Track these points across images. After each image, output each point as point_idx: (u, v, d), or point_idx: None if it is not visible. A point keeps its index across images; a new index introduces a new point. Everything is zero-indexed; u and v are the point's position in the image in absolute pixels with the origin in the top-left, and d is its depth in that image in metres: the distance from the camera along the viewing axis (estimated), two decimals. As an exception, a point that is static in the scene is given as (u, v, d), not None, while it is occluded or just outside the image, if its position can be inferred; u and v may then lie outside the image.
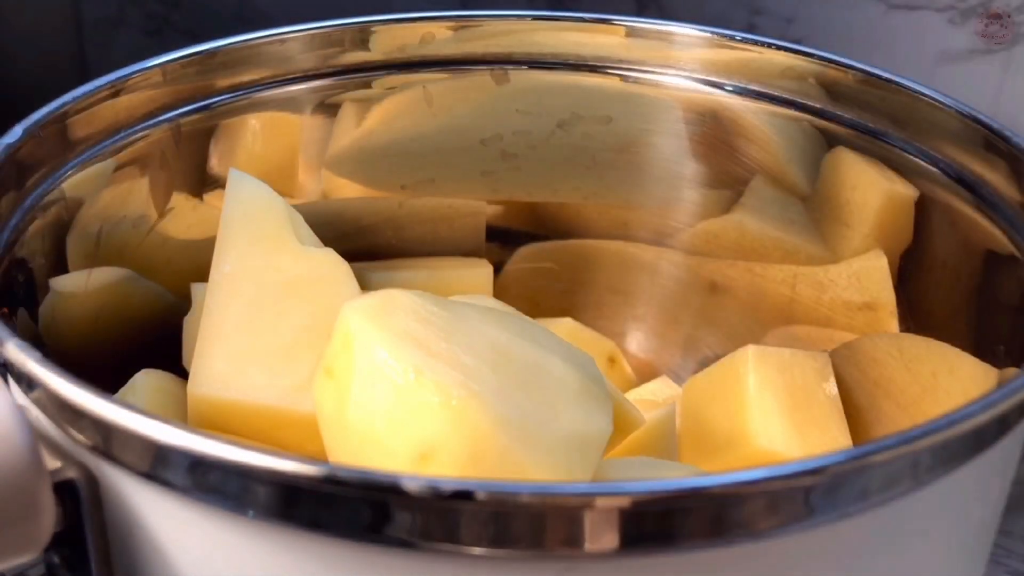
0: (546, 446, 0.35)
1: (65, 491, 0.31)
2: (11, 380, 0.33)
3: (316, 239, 0.46)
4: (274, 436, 0.40)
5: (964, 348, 0.44)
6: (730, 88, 0.52)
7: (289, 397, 0.40)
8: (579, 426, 0.36)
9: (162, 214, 0.50)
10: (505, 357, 0.37)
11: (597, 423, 0.37)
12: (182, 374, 0.45)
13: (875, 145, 0.48)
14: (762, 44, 0.51)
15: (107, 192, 0.47)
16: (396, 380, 0.35)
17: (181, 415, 0.42)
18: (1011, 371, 0.40)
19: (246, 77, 0.51)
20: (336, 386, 0.37)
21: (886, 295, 0.49)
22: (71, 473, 0.31)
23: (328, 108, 0.53)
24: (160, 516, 0.31)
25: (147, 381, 0.44)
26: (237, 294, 0.43)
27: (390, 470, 0.33)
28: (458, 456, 0.34)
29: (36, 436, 0.30)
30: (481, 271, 0.55)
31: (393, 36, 0.53)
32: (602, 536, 0.28)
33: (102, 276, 0.47)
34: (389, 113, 0.54)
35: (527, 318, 0.44)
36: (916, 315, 0.48)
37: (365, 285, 0.47)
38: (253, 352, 0.41)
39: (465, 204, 0.56)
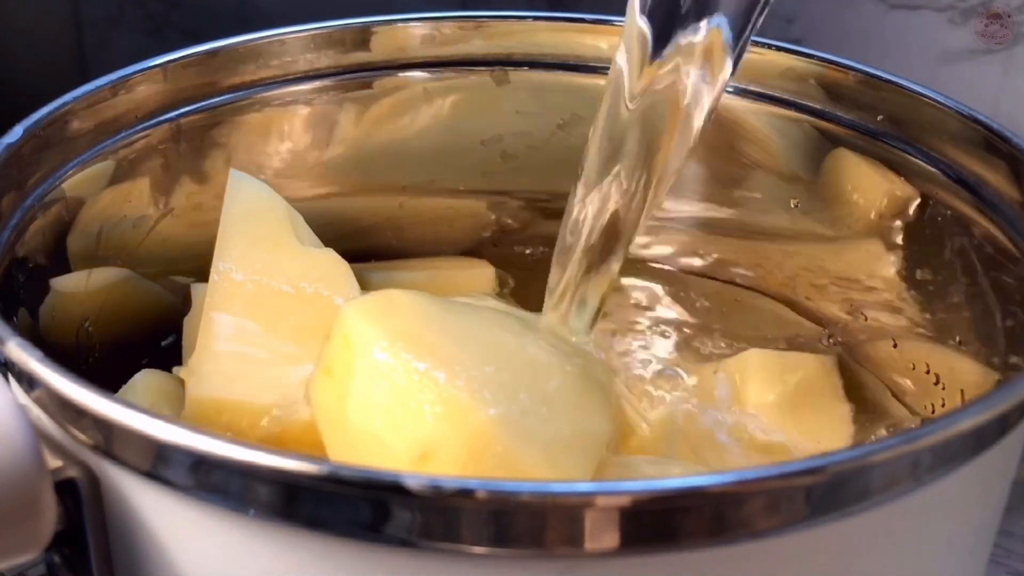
0: (546, 445, 0.35)
1: (66, 490, 0.31)
2: (12, 379, 0.33)
3: (316, 239, 0.46)
4: (274, 436, 0.40)
5: (965, 348, 0.44)
6: (730, 89, 0.52)
7: (289, 397, 0.40)
8: (579, 426, 0.36)
9: (162, 214, 0.50)
10: (505, 357, 0.37)
11: (597, 423, 0.37)
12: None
13: (875, 145, 0.48)
14: (762, 45, 0.51)
15: (107, 192, 0.47)
16: (396, 380, 0.35)
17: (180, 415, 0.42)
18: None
19: (246, 77, 0.51)
20: (336, 386, 0.37)
21: (886, 295, 0.49)
22: (72, 472, 0.31)
23: (328, 108, 0.53)
24: (161, 515, 0.31)
25: (147, 381, 0.44)
26: (237, 294, 0.43)
27: (392, 469, 0.33)
28: (458, 455, 0.34)
29: (37, 435, 0.30)
30: (481, 271, 0.55)
31: (393, 36, 0.53)
32: (602, 535, 0.28)
33: (102, 276, 0.47)
34: (389, 113, 0.54)
35: (527, 318, 0.44)
36: (918, 314, 0.48)
37: (365, 285, 0.47)
38: (253, 352, 0.41)
39: (465, 204, 0.56)
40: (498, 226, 0.57)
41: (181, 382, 0.44)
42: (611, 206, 0.43)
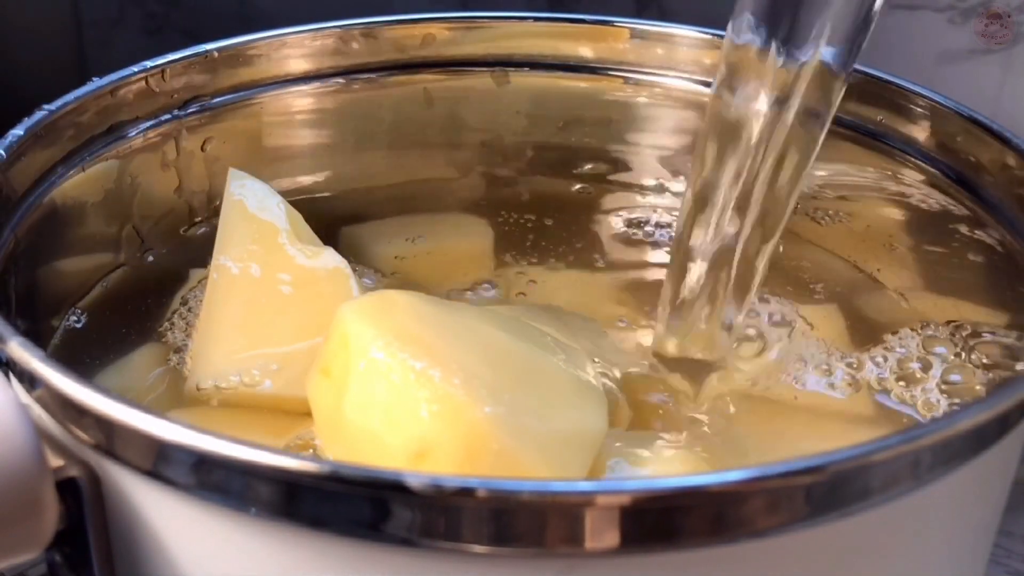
0: (542, 444, 0.35)
1: (67, 489, 0.31)
2: (14, 378, 0.33)
3: (316, 238, 0.47)
4: (272, 429, 0.40)
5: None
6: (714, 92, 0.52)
7: (287, 387, 0.40)
8: (575, 424, 0.36)
9: (163, 214, 0.50)
10: (501, 356, 0.37)
11: (592, 422, 0.37)
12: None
13: (875, 145, 0.48)
14: (762, 45, 0.51)
15: (108, 192, 0.47)
16: (393, 379, 0.35)
17: (176, 395, 0.42)
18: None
19: (246, 77, 0.51)
20: (333, 386, 0.37)
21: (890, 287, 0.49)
22: (73, 471, 0.31)
23: (328, 109, 0.53)
24: (162, 514, 0.31)
25: (144, 359, 0.44)
26: (236, 293, 0.43)
27: (392, 467, 0.33)
28: (455, 453, 0.34)
29: (38, 434, 0.30)
30: (482, 228, 0.55)
31: (393, 36, 0.53)
32: (603, 534, 0.28)
33: (101, 274, 0.47)
34: (389, 114, 0.54)
35: (524, 319, 0.44)
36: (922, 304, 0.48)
37: (361, 252, 0.48)
38: (252, 350, 0.42)
39: (465, 190, 0.56)
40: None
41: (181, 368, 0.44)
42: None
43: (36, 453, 0.30)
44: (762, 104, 0.41)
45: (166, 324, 0.46)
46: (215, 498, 0.29)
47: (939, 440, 0.30)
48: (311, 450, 0.38)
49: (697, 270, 0.44)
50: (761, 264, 0.43)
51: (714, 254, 0.43)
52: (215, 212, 0.46)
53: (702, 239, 0.43)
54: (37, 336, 0.43)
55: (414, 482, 0.27)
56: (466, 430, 0.34)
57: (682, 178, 0.55)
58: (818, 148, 0.41)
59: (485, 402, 0.34)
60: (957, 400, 0.43)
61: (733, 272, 0.43)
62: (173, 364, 0.44)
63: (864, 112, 0.49)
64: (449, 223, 0.54)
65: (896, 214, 0.49)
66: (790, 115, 0.40)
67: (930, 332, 0.46)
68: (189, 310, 0.46)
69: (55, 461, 0.31)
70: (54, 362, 0.31)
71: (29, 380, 0.32)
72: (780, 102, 0.40)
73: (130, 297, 0.47)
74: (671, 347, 0.45)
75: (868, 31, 0.39)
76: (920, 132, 0.47)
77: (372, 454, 0.35)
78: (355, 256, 0.49)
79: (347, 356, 0.36)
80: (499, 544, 0.28)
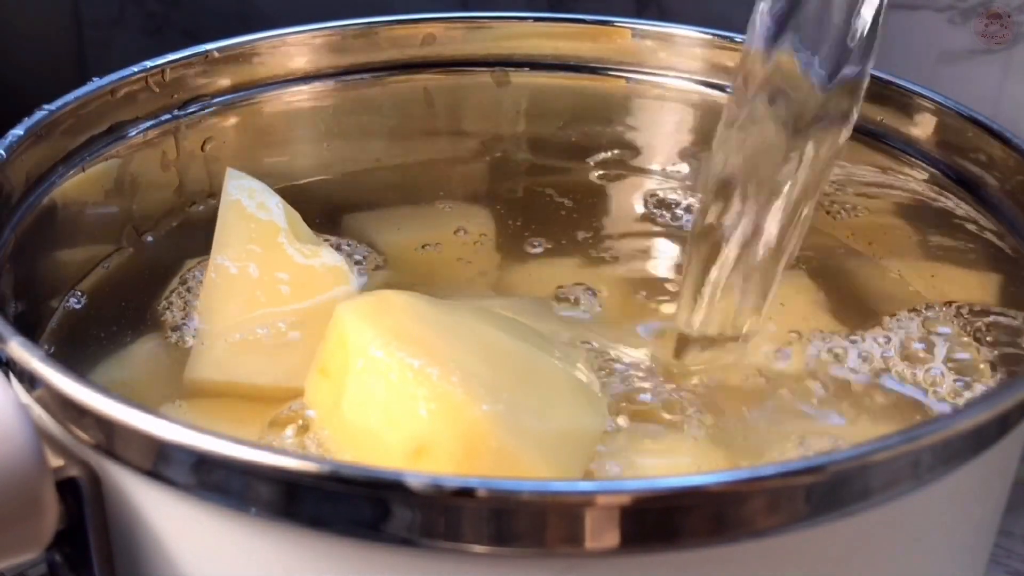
0: (540, 442, 0.35)
1: (68, 489, 0.31)
2: (14, 378, 0.33)
3: (315, 238, 0.47)
4: (269, 420, 0.40)
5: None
6: (730, 90, 0.52)
7: (286, 381, 0.40)
8: (572, 423, 0.36)
9: (163, 214, 0.50)
10: (499, 355, 0.37)
11: (590, 421, 0.37)
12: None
13: (875, 145, 0.48)
14: (762, 45, 0.51)
15: (107, 192, 0.47)
16: (391, 377, 0.35)
17: (175, 386, 0.42)
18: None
19: (246, 77, 0.51)
20: (331, 385, 0.37)
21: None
22: (74, 471, 0.31)
23: (328, 109, 0.53)
24: (162, 514, 0.31)
25: (144, 349, 0.44)
26: (234, 293, 0.43)
27: (393, 467, 0.33)
28: (453, 451, 0.34)
29: (39, 434, 0.30)
30: (483, 220, 0.54)
31: (393, 37, 0.53)
32: (603, 534, 0.28)
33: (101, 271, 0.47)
34: (390, 114, 0.54)
35: (521, 320, 0.44)
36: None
37: (363, 237, 0.48)
38: (250, 347, 0.42)
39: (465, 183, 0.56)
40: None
41: (178, 353, 0.44)
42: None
43: (36, 453, 0.30)
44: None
45: (164, 303, 0.46)
46: (215, 498, 0.29)
47: (939, 440, 0.30)
48: (300, 421, 0.39)
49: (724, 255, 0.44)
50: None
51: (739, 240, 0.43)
52: (215, 211, 0.46)
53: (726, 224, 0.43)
54: (36, 317, 0.43)
55: (414, 482, 0.27)
56: (464, 428, 0.34)
57: (681, 176, 0.55)
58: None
59: (483, 400, 0.34)
60: (964, 378, 0.43)
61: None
62: (173, 341, 0.44)
63: (865, 112, 0.48)
64: (450, 214, 0.54)
65: (896, 213, 0.49)
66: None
67: (931, 314, 0.46)
68: (188, 290, 0.46)
69: (55, 461, 0.31)
70: (54, 362, 0.31)
71: (29, 380, 0.32)
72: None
73: (129, 280, 0.47)
74: (694, 327, 0.45)
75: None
76: (920, 132, 0.47)
77: (371, 453, 0.35)
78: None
79: (345, 355, 0.36)
80: (499, 544, 0.28)
